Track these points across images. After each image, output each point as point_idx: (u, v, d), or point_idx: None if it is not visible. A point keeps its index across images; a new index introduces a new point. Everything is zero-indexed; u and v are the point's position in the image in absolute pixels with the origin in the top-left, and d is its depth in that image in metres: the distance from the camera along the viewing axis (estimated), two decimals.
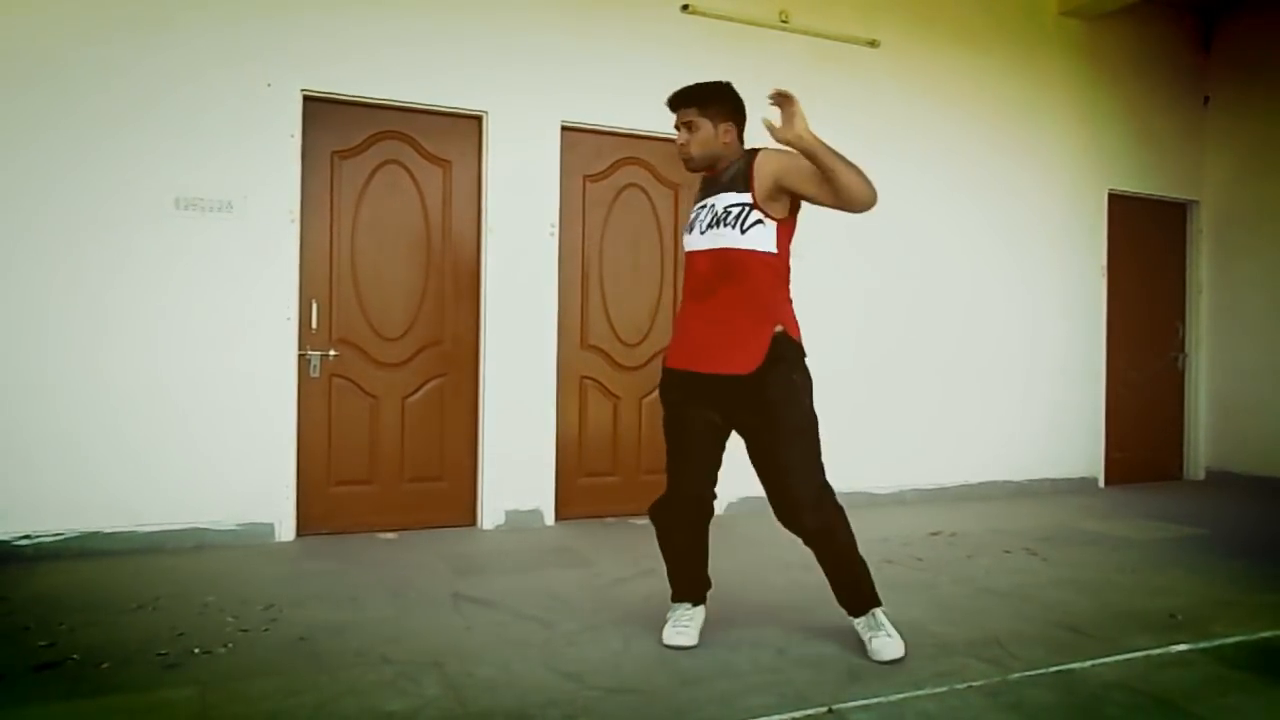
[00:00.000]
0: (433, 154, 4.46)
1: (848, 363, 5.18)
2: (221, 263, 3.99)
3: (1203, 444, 6.59)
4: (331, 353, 4.27)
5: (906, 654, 2.62)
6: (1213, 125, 6.57)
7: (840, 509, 2.64)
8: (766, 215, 2.57)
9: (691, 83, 2.73)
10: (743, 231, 2.57)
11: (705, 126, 2.68)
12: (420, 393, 4.45)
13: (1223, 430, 6.49)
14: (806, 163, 2.46)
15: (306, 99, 4.16)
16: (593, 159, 4.77)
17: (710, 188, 2.71)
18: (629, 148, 4.83)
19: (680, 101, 2.72)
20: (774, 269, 2.61)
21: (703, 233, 2.65)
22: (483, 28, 4.45)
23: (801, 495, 2.57)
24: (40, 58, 3.73)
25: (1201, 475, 6.57)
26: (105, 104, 3.81)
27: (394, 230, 4.41)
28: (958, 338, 5.64)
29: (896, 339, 5.43)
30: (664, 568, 2.84)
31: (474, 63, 4.44)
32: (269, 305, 4.08)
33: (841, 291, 5.22)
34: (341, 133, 4.29)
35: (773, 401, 2.56)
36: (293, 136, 4.12)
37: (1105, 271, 6.17)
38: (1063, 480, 5.95)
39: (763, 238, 2.57)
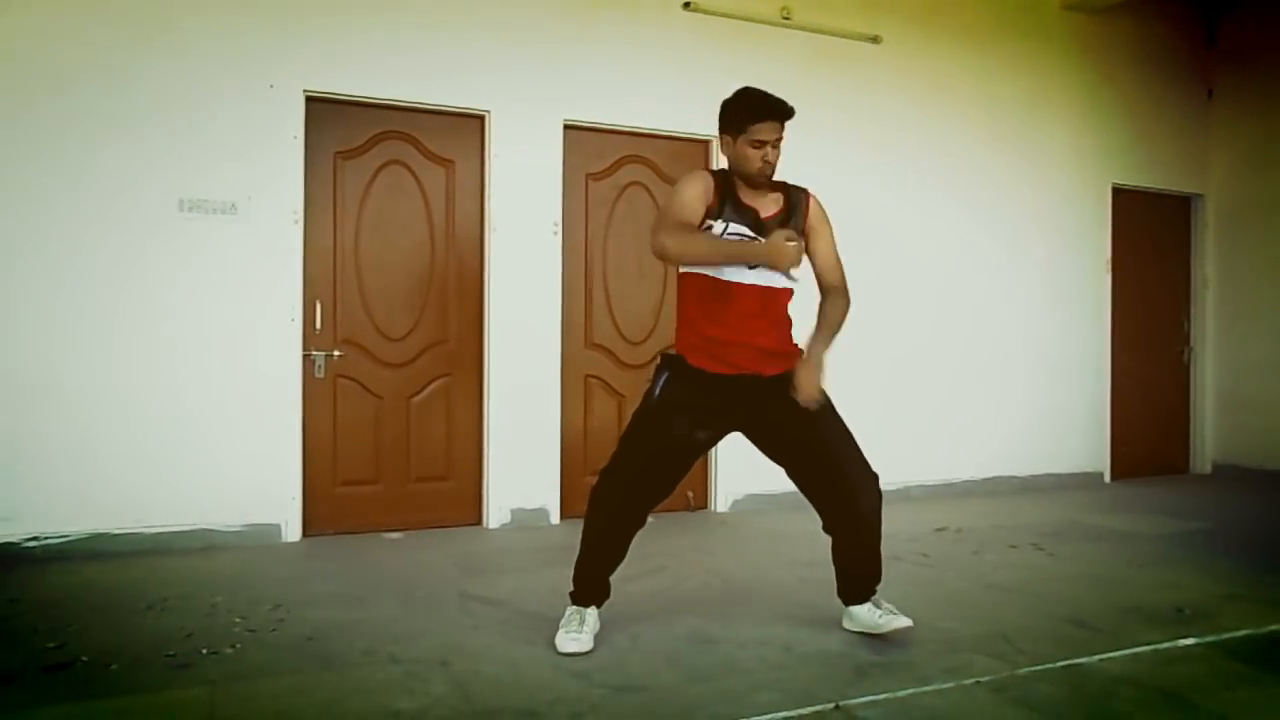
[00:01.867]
0: (435, 154, 4.46)
1: (851, 359, 5.15)
2: (226, 264, 4.00)
3: (1209, 438, 6.58)
4: (336, 353, 4.27)
5: (913, 650, 2.64)
6: (1216, 119, 6.55)
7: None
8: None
9: (780, 96, 2.59)
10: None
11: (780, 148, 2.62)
12: (425, 392, 4.46)
13: (1229, 424, 6.48)
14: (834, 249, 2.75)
15: (309, 100, 4.17)
16: (595, 157, 4.77)
17: (753, 216, 2.60)
18: (631, 146, 4.82)
19: (787, 116, 2.57)
20: (791, 297, 2.71)
21: (751, 267, 2.58)
22: (484, 27, 4.45)
23: (861, 475, 2.68)
24: (45, 64, 3.73)
25: (1208, 469, 6.56)
26: (109, 108, 3.81)
27: (397, 230, 4.41)
28: (961, 333, 5.63)
29: (900, 335, 5.41)
30: (668, 565, 2.84)
31: (476, 62, 4.44)
32: (273, 306, 4.09)
33: None
34: (344, 133, 4.29)
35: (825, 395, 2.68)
36: (296, 137, 4.12)
37: (1109, 266, 6.15)
38: (1068, 475, 5.94)
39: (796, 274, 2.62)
